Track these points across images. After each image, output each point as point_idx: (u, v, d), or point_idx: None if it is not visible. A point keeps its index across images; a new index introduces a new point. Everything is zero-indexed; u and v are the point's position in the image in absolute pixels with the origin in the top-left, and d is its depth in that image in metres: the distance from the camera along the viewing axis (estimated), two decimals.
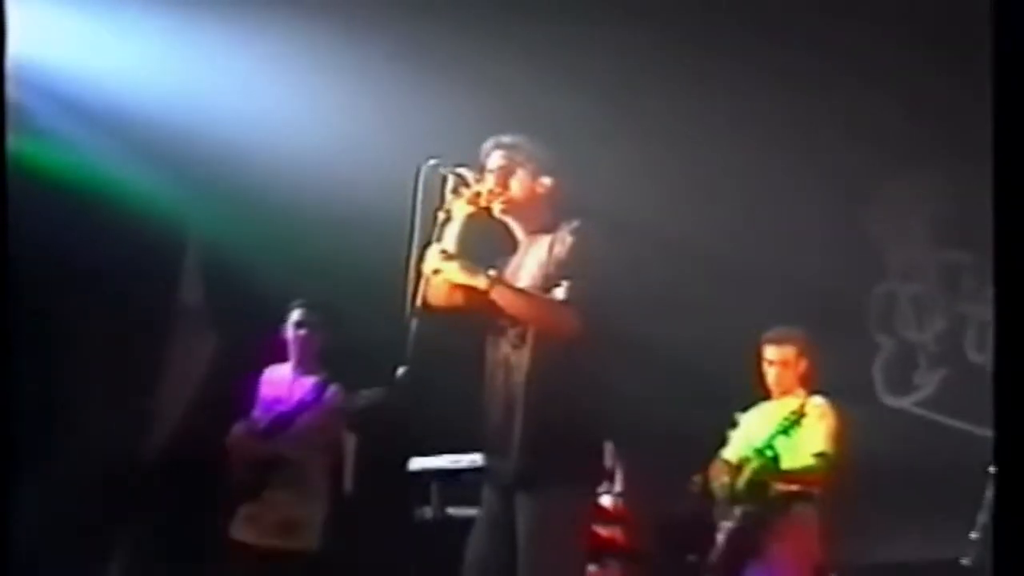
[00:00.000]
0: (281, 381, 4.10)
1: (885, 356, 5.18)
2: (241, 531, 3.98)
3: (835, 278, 4.88)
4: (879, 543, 4.57)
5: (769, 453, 3.77)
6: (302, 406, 3.95)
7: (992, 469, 3.37)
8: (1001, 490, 1.67)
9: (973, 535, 3.49)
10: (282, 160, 4.52)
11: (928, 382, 5.07)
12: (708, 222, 4.79)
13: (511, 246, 2.93)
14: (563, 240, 2.78)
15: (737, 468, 3.84)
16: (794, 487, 3.82)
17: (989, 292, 4.78)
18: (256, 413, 4.07)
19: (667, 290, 4.66)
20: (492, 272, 2.78)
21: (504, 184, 2.84)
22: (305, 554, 3.94)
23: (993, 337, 3.32)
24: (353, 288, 4.21)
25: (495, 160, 2.87)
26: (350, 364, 3.96)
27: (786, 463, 3.79)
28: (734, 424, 4.02)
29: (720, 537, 3.87)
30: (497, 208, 2.86)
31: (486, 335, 2.84)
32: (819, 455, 3.79)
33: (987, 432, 3.93)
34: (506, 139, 2.90)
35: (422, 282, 2.72)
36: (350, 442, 4.05)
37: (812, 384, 3.97)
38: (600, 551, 4.24)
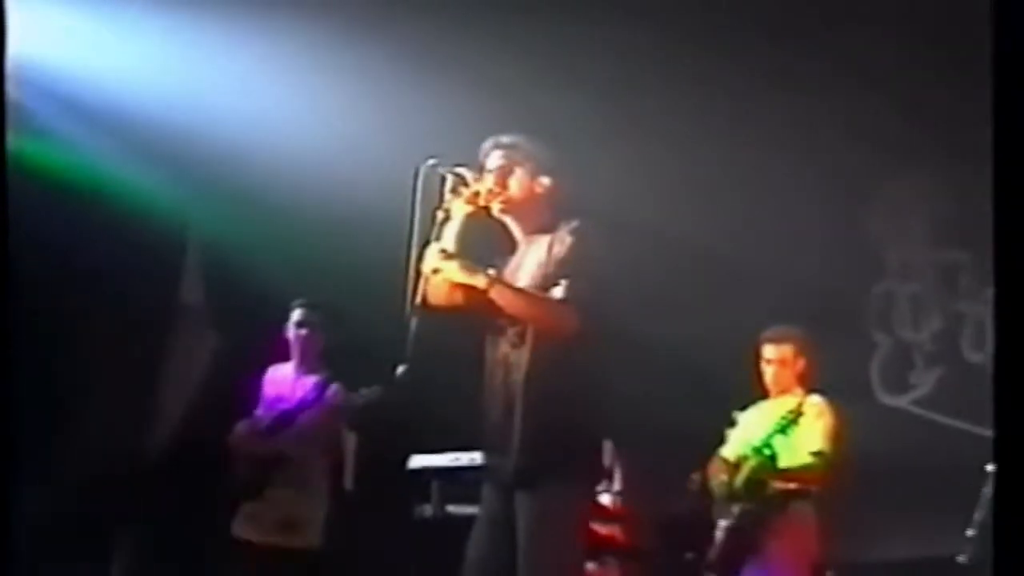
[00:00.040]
0: (283, 380, 4.11)
1: (882, 355, 5.18)
2: (243, 529, 3.98)
3: (833, 277, 4.88)
4: (876, 541, 4.57)
5: (767, 452, 3.77)
6: (303, 405, 3.96)
7: (989, 467, 3.37)
8: (1001, 489, 1.66)
9: (969, 533, 3.47)
10: (282, 160, 4.51)
11: (925, 381, 5.07)
12: (707, 222, 4.78)
13: (510, 246, 2.92)
14: (562, 240, 2.77)
15: (735, 466, 3.84)
16: (792, 485, 3.82)
17: (986, 292, 4.87)
18: (258, 412, 4.07)
19: (666, 289, 4.65)
20: (491, 271, 2.77)
21: (503, 184, 2.83)
22: (306, 552, 3.94)
23: (993, 337, 3.33)
24: (353, 287, 4.20)
25: (494, 160, 2.87)
26: (351, 363, 3.95)
27: (784, 461, 3.79)
28: (732, 423, 4.01)
29: (718, 535, 3.86)
30: (496, 208, 2.85)
31: (485, 334, 2.84)
32: (816, 454, 3.79)
33: (983, 431, 3.97)
34: (505, 139, 2.89)
35: (422, 281, 2.72)
36: (350, 441, 4.05)
37: (810, 383, 3.96)
38: (599, 549, 4.24)
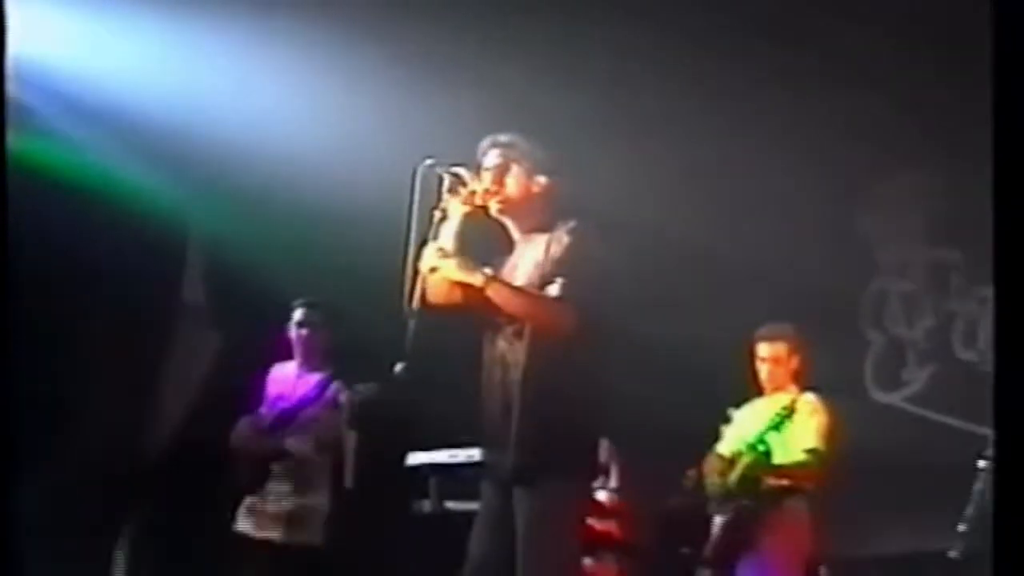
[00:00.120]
0: (286, 379, 4.10)
1: (876, 352, 5.18)
2: (245, 525, 3.96)
3: (828, 276, 4.87)
4: (869, 536, 4.56)
5: (761, 448, 3.76)
6: (304, 402, 3.95)
7: (981, 463, 3.37)
8: (1001, 488, 1.64)
9: (961, 528, 3.46)
10: (281, 160, 4.49)
11: (917, 378, 5.07)
12: (703, 221, 4.77)
13: (507, 245, 2.91)
14: (559, 239, 2.76)
15: (730, 463, 3.83)
16: (786, 482, 3.81)
17: (977, 290, 4.87)
18: (261, 410, 4.05)
19: (662, 288, 4.64)
20: (488, 270, 2.76)
21: (500, 182, 2.82)
22: (307, 547, 3.92)
23: (988, 335, 3.32)
24: (353, 286, 4.18)
25: (491, 158, 2.85)
26: (353, 361, 3.94)
27: (778, 458, 3.78)
28: (728, 420, 4.00)
29: (714, 531, 3.85)
30: (494, 207, 2.84)
31: (483, 332, 2.83)
32: (810, 451, 3.78)
33: (975, 427, 3.96)
34: (502, 138, 2.88)
35: (420, 280, 2.70)
36: (350, 438, 4.03)
37: (805, 381, 3.95)
38: (596, 545, 4.23)
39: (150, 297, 4.67)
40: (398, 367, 2.65)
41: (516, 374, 2.72)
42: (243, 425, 4.00)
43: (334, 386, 3.93)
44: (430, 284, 2.73)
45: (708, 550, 3.86)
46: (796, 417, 3.78)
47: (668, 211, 4.61)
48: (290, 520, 3.93)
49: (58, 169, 4.26)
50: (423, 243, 2.73)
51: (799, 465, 3.77)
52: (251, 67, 4.43)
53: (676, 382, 4.61)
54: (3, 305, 2.17)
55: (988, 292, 4.77)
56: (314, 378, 3.99)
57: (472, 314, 2.80)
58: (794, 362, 3.95)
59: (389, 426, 4.05)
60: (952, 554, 3.50)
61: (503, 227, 2.90)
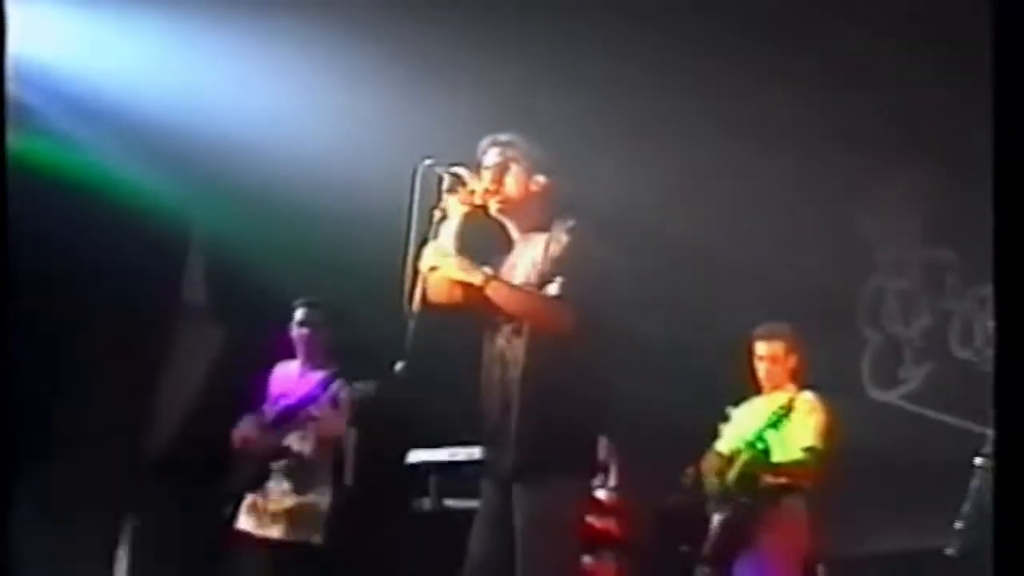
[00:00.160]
0: (288, 377, 4.10)
1: (872, 350, 5.17)
2: (246, 523, 3.95)
3: (826, 274, 4.86)
4: (866, 534, 4.55)
5: (760, 445, 3.75)
6: (305, 401, 3.94)
7: (978, 461, 3.35)
8: (1001, 486, 1.63)
9: (958, 525, 3.45)
10: (282, 160, 4.48)
11: (914, 376, 5.06)
12: (701, 220, 4.76)
13: (506, 244, 2.90)
14: (558, 238, 2.76)
15: (729, 460, 3.81)
16: (783, 480, 3.79)
17: (973, 289, 4.86)
18: (264, 408, 4.04)
19: (661, 287, 4.63)
20: (487, 269, 2.75)
21: (499, 181, 2.81)
22: (308, 545, 3.91)
23: (984, 334, 3.31)
24: (353, 285, 4.17)
25: (490, 157, 2.84)
26: (354, 360, 3.93)
27: (776, 456, 3.77)
28: (726, 418, 3.99)
29: (712, 528, 3.83)
30: (493, 207, 2.83)
31: (483, 331, 2.82)
32: (808, 449, 3.77)
33: (971, 425, 3.95)
34: (502, 137, 2.87)
35: (420, 279, 2.70)
36: (351, 436, 4.02)
37: (802, 379, 3.94)
38: (595, 542, 4.22)
39: (150, 297, 4.65)
40: (398, 366, 2.64)
41: (515, 372, 2.72)
42: (246, 423, 3.99)
43: (335, 385, 3.92)
44: (430, 283, 2.72)
45: (707, 548, 3.84)
46: (794, 415, 3.77)
47: (666, 210, 4.60)
48: (291, 518, 3.93)
49: (58, 169, 4.25)
50: (423, 242, 2.72)
51: (797, 463, 3.76)
52: (252, 67, 4.42)
53: (675, 380, 4.60)
54: (3, 305, 2.16)
55: (984, 291, 4.77)
56: (316, 377, 3.99)
57: (472, 313, 2.79)
58: (792, 361, 3.94)
59: (389, 424, 4.05)
60: (949, 552, 3.49)
61: (502, 226, 2.89)
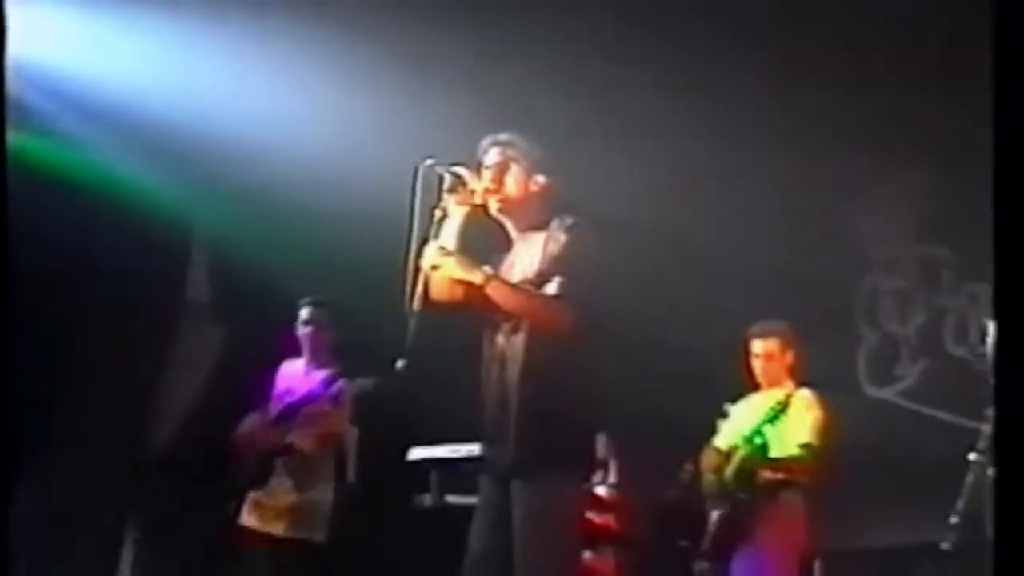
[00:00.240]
0: (294, 375, 4.09)
1: (868, 348, 5.16)
2: (248, 518, 3.94)
3: (822, 273, 4.85)
4: (863, 529, 4.53)
5: (758, 440, 3.74)
6: (308, 398, 3.93)
7: (972, 456, 3.34)
8: (1001, 484, 1.61)
9: (953, 520, 3.43)
10: (284, 160, 4.46)
11: (910, 373, 5.05)
12: (698, 219, 4.75)
13: (506, 244, 2.88)
14: (556, 238, 2.74)
15: (726, 456, 3.80)
16: (781, 475, 3.78)
17: (968, 287, 4.84)
18: (270, 405, 4.03)
19: (659, 285, 4.62)
20: (487, 268, 2.73)
21: (499, 181, 2.80)
22: (310, 540, 3.89)
23: (980, 332, 3.30)
24: (355, 284, 4.15)
25: (491, 157, 2.83)
26: (358, 358, 3.91)
27: (773, 452, 3.76)
28: (724, 415, 3.97)
29: (710, 523, 3.82)
30: (493, 206, 2.81)
31: (483, 329, 2.80)
32: (805, 445, 3.76)
33: (966, 421, 3.93)
34: (502, 137, 2.86)
35: (421, 278, 2.68)
36: (352, 433, 4.01)
37: (799, 376, 3.93)
38: (594, 538, 4.21)
39: (150, 296, 4.63)
40: (399, 363, 2.63)
41: (514, 370, 2.70)
42: (250, 420, 3.99)
43: (339, 383, 3.90)
44: (431, 282, 2.71)
45: (705, 543, 3.83)
46: (791, 412, 3.76)
47: (664, 209, 4.58)
48: (293, 515, 3.91)
49: (59, 168, 4.23)
50: (424, 241, 2.70)
51: (794, 459, 3.75)
52: (252, 66, 4.39)
53: (673, 378, 4.58)
54: (3, 305, 2.13)
55: (979, 289, 4.76)
56: (321, 375, 3.98)
57: (472, 311, 2.77)
58: (788, 358, 3.93)
59: (391, 421, 4.04)
60: (944, 546, 3.48)
61: (501, 226, 2.88)
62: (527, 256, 2.80)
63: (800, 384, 3.90)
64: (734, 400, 3.98)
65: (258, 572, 3.90)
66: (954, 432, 4.23)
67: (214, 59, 4.31)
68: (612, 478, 4.47)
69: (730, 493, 3.78)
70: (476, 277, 2.70)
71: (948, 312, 4.97)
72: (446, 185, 2.74)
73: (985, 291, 4.68)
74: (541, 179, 2.82)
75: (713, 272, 4.83)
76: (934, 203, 4.95)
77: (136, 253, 4.45)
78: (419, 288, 2.67)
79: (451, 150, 2.83)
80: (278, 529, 3.91)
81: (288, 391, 4.03)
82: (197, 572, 4.40)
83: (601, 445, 3.88)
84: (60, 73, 4.14)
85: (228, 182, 4.53)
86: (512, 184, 2.81)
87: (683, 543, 4.01)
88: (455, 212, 2.76)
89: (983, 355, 3.50)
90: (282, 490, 3.93)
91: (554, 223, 2.76)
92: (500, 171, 2.80)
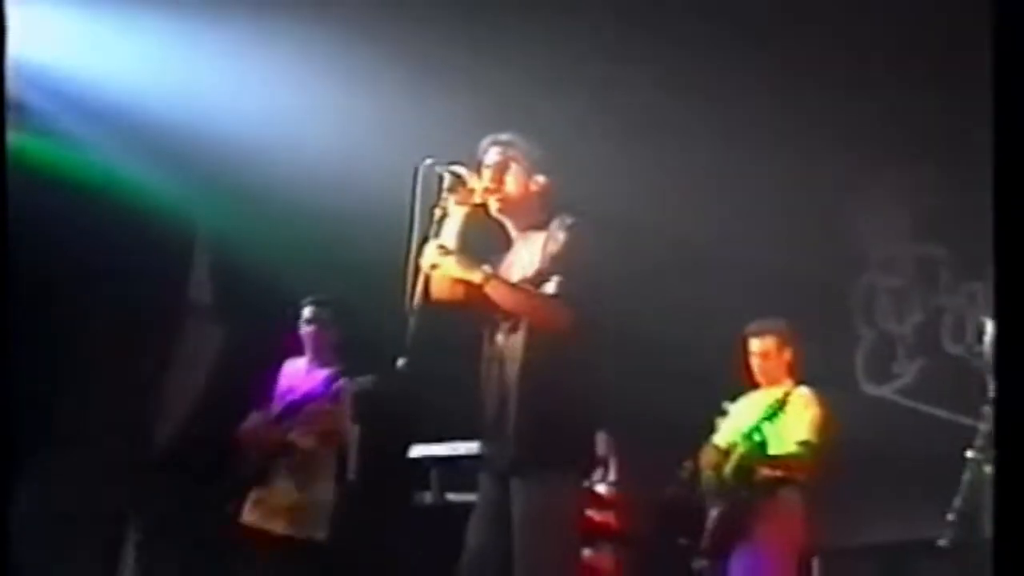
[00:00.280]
0: (296, 373, 4.09)
1: (866, 346, 5.16)
2: (250, 516, 3.93)
3: (820, 272, 4.85)
4: (861, 526, 4.53)
5: (756, 437, 3.74)
6: (309, 396, 3.93)
7: (969, 454, 3.34)
8: (1000, 482, 1.60)
9: (950, 517, 3.43)
10: (285, 160, 4.45)
11: (907, 371, 5.05)
12: (698, 218, 4.74)
13: (505, 243, 2.88)
14: (556, 237, 2.74)
15: (725, 454, 3.79)
16: (779, 473, 3.78)
17: (965, 285, 4.84)
18: (272, 404, 4.03)
19: (658, 284, 4.62)
20: (486, 268, 2.73)
21: (499, 180, 2.80)
22: (311, 538, 3.89)
23: (980, 330, 3.29)
24: (356, 283, 4.14)
25: (491, 156, 2.83)
26: (360, 357, 3.91)
27: (772, 449, 3.76)
28: (723, 413, 3.97)
29: (710, 521, 3.82)
30: (493, 206, 2.81)
31: (482, 328, 2.80)
32: (803, 443, 3.75)
33: (963, 419, 3.93)
34: (502, 137, 2.86)
35: (422, 277, 2.68)
36: (353, 431, 4.00)
37: (798, 374, 3.92)
38: (594, 535, 4.21)
39: (150, 296, 4.62)
40: (400, 361, 2.62)
41: (513, 368, 2.70)
42: (252, 419, 3.98)
43: (340, 381, 3.90)
44: (432, 281, 2.71)
45: (704, 540, 3.83)
46: (789, 409, 3.76)
47: (663, 209, 4.58)
48: (295, 513, 3.90)
49: (60, 168, 4.21)
50: (424, 241, 2.70)
51: (793, 456, 3.75)
52: (252, 66, 4.39)
53: (672, 376, 4.58)
54: (3, 305, 2.12)
55: (976, 287, 4.76)
56: (322, 373, 3.98)
57: (472, 310, 2.77)
58: (785, 356, 3.93)
59: (391, 419, 4.04)
60: (941, 543, 3.47)
61: (501, 225, 2.87)
62: (527, 255, 2.79)
63: (798, 382, 3.89)
64: (733, 398, 3.98)
65: (259, 571, 3.89)
66: (951, 430, 4.22)
67: (214, 59, 4.30)
68: (611, 476, 4.47)
69: (729, 490, 3.77)
70: (476, 276, 2.70)
71: (945, 310, 4.97)
72: (446, 185, 2.74)
73: (982, 290, 4.68)
74: (541, 179, 2.82)
75: (712, 271, 4.83)
76: (931, 202, 4.95)
77: (137, 253, 4.43)
78: (419, 287, 2.67)
79: (451, 150, 2.83)
80: (279, 527, 3.90)
81: (290, 390, 4.03)
82: (197, 572, 4.39)
83: (601, 443, 3.88)
84: (60, 73, 4.13)
85: (229, 182, 4.52)
86: (512, 184, 2.81)
87: (682, 540, 4.00)
88: (455, 211, 2.76)
89: (980, 353, 3.50)
90: (283, 488, 3.92)
91: (554, 223, 2.76)
92: (500, 171, 2.80)
